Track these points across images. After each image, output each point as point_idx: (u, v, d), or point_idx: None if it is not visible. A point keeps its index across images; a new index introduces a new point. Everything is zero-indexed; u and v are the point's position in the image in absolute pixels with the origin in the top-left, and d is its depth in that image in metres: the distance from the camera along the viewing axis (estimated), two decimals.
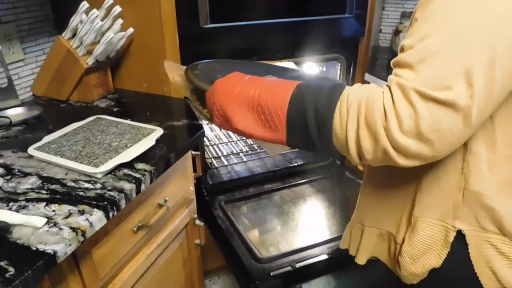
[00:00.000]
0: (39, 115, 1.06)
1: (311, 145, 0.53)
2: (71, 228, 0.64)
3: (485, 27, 0.43)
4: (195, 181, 1.14)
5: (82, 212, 0.68)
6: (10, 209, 0.68)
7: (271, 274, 1.05)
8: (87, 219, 0.66)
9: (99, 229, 0.69)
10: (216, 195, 1.43)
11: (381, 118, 0.45)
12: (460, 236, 0.57)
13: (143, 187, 0.80)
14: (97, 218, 0.68)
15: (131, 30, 1.12)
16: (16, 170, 0.81)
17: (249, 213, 1.38)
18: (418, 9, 0.49)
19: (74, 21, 1.08)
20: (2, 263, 0.57)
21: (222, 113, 0.60)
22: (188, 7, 1.10)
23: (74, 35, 1.10)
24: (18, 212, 0.67)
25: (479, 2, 0.43)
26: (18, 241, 0.61)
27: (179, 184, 1.05)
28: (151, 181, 0.82)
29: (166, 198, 0.96)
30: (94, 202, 0.70)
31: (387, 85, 0.47)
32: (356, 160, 0.50)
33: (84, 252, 0.72)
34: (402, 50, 0.49)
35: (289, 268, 1.07)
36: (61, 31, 1.13)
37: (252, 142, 1.76)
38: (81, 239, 0.64)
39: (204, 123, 1.03)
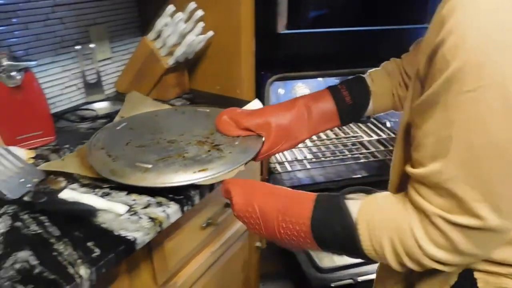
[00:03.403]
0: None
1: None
2: (149, 218, 0.67)
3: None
4: None
5: (159, 204, 0.71)
6: (96, 195, 0.73)
7: (332, 285, 1.03)
8: (164, 210, 0.70)
9: (174, 221, 0.72)
10: None
11: (418, 251, 0.46)
12: None
13: (215, 185, 0.82)
14: (173, 211, 0.71)
15: (211, 33, 1.16)
16: None
17: None
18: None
19: (159, 23, 1.14)
20: (89, 244, 0.61)
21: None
22: (267, 12, 1.12)
23: (158, 36, 1.17)
24: (103, 198, 0.72)
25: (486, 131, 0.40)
26: (102, 225, 0.66)
27: None
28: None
29: None
30: (171, 195, 0.74)
31: (412, 210, 0.47)
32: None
33: (158, 243, 0.75)
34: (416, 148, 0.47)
35: (350, 281, 1.05)
36: (144, 33, 1.20)
37: (316, 150, 1.74)
38: (158, 229, 0.67)
39: None
